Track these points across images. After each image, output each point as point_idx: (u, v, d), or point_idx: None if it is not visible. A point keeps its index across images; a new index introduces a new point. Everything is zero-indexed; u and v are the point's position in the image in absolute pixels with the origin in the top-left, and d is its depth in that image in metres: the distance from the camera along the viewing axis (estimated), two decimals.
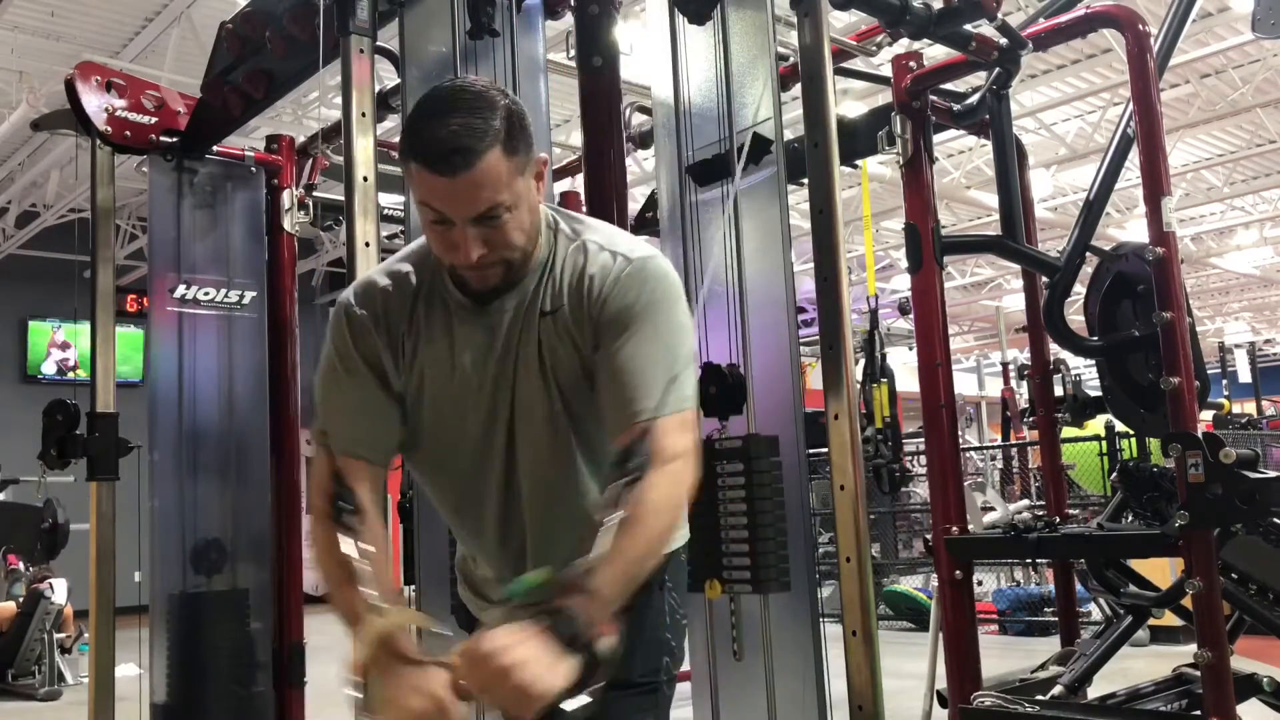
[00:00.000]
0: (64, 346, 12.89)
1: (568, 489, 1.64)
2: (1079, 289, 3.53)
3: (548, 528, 1.66)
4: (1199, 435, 2.77)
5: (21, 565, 8.03)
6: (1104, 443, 8.47)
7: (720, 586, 2.53)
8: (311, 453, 1.65)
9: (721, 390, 2.62)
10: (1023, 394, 5.64)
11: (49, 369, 12.86)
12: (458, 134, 1.45)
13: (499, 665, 1.22)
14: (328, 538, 1.51)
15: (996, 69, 3.40)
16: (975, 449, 12.59)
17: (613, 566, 1.35)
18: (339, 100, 2.83)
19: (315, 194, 4.34)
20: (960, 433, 7.00)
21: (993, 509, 4.38)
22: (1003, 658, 6.55)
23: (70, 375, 12.43)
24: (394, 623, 1.41)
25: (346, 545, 1.48)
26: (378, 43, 2.90)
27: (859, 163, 5.65)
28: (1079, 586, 4.10)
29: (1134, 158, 3.12)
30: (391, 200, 3.48)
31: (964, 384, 18.51)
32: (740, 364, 2.68)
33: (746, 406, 2.63)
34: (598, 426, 1.60)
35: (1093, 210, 3.40)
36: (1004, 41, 3.22)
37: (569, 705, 1.25)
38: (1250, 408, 12.13)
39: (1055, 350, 3.77)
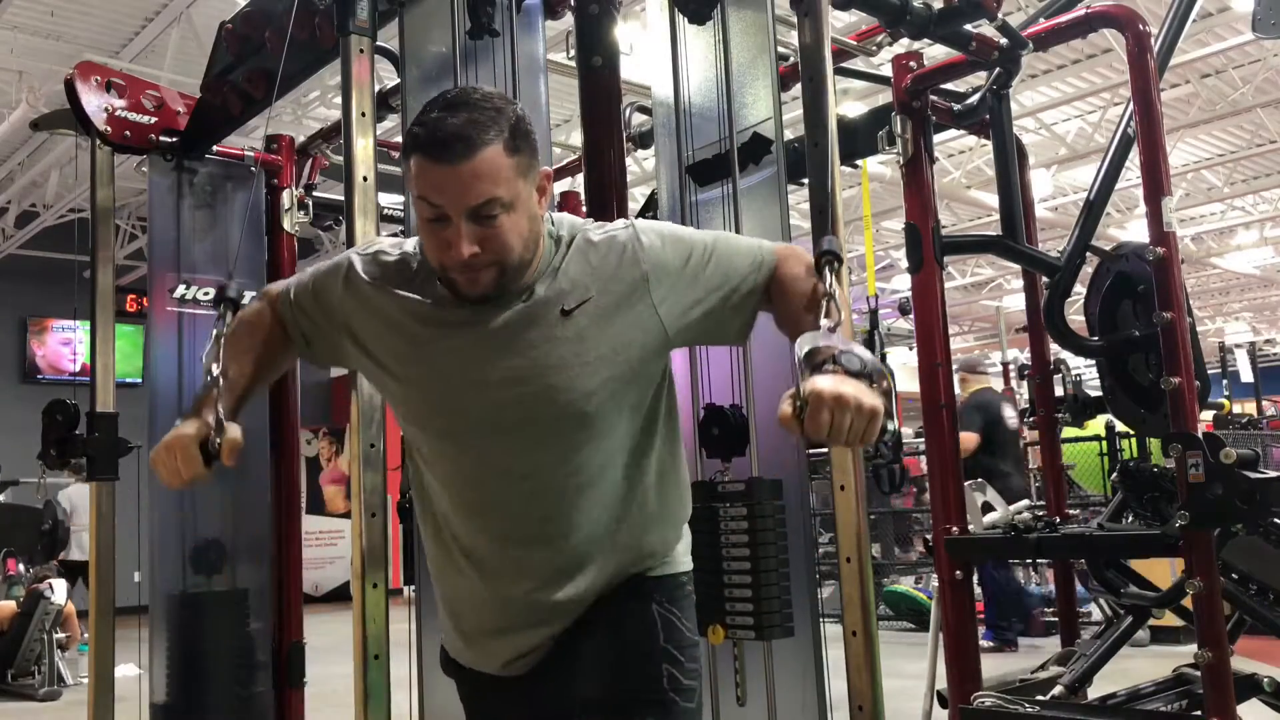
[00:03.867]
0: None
1: (573, 488, 1.62)
2: (1079, 289, 3.53)
3: (552, 530, 1.64)
4: (1199, 435, 2.76)
5: (21, 568, 8.04)
6: (1104, 443, 8.47)
7: (723, 632, 2.51)
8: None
9: (724, 431, 2.62)
10: (1023, 394, 5.65)
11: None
12: (460, 126, 1.46)
13: (844, 400, 1.32)
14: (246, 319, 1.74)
15: (997, 69, 3.40)
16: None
17: (837, 317, 1.48)
18: (339, 100, 2.83)
19: (315, 194, 4.34)
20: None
21: (993, 509, 4.37)
22: (1003, 658, 6.55)
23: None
24: (208, 396, 1.60)
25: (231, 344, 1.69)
26: (378, 43, 2.90)
27: (859, 163, 5.66)
28: (1079, 587, 4.10)
29: (1134, 158, 3.12)
30: (391, 200, 3.47)
31: None
32: (740, 365, 2.67)
33: (749, 449, 2.61)
34: (629, 412, 1.63)
35: (1093, 210, 3.39)
36: (1004, 41, 3.21)
37: (890, 425, 1.39)
38: (1251, 408, 12.13)
39: (1055, 350, 3.77)
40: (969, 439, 6.43)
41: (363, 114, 2.77)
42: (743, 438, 2.62)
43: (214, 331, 1.67)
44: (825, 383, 1.34)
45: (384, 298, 1.64)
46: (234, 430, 1.56)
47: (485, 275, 1.53)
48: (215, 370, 1.61)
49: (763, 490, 2.53)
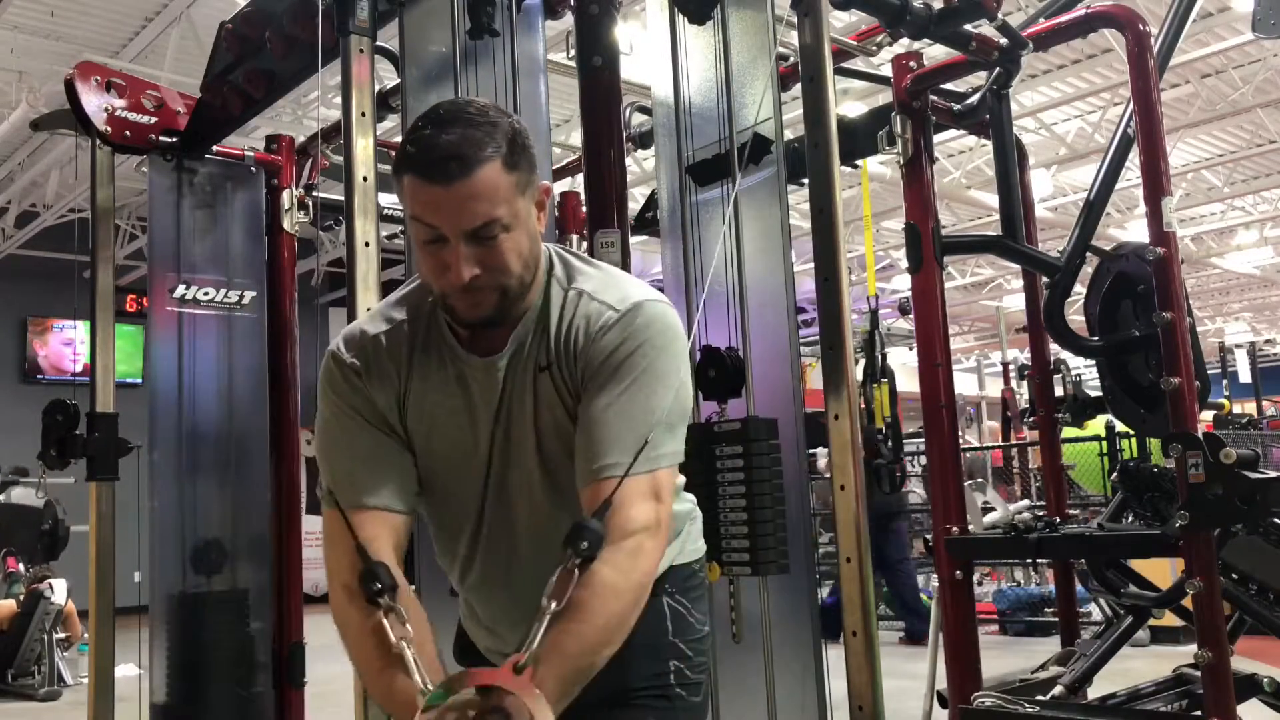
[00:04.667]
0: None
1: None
2: (1079, 289, 3.53)
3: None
4: (1199, 435, 2.76)
5: (21, 568, 8.04)
6: (1104, 443, 8.47)
7: (719, 569, 2.53)
8: (322, 512, 1.53)
9: (721, 373, 2.62)
10: (1023, 394, 5.65)
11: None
12: (456, 143, 1.39)
13: None
14: (363, 621, 1.39)
15: (997, 69, 3.40)
16: (975, 449, 12.57)
17: (551, 664, 1.27)
18: (339, 100, 2.83)
19: (315, 194, 4.34)
20: (960, 433, 7.07)
21: (993, 509, 4.38)
22: (1003, 658, 6.55)
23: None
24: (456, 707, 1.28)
25: (391, 629, 1.36)
26: (378, 43, 2.90)
27: (859, 163, 5.66)
28: (1079, 587, 4.10)
29: (1134, 158, 3.12)
30: (391, 200, 3.46)
31: (964, 384, 18.51)
32: (736, 307, 2.67)
33: (745, 390, 2.63)
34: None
35: (1093, 210, 3.40)
36: (1004, 41, 3.22)
37: None
38: (1250, 408, 12.13)
39: (1055, 350, 3.77)
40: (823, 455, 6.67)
41: (363, 114, 2.77)
42: (739, 379, 2.62)
43: (402, 643, 1.35)
44: None
45: (379, 376, 1.56)
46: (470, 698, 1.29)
47: (486, 300, 1.46)
48: (402, 641, 1.34)
49: (758, 428, 2.53)
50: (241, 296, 4.04)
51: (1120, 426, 7.14)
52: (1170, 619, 4.34)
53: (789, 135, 3.01)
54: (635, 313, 1.49)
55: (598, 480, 1.41)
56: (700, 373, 2.65)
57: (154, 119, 3.88)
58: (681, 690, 1.61)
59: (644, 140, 4.05)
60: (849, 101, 7.59)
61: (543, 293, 1.54)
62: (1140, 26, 3.04)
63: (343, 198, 2.79)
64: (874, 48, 3.61)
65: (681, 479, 1.74)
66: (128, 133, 3.82)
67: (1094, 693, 3.27)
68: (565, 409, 1.52)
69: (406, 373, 1.55)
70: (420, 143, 1.41)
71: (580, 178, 3.54)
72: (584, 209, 3.21)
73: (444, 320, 1.55)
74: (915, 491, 10.81)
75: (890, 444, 5.14)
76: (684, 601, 1.66)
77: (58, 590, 7.52)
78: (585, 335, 1.49)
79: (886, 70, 3.53)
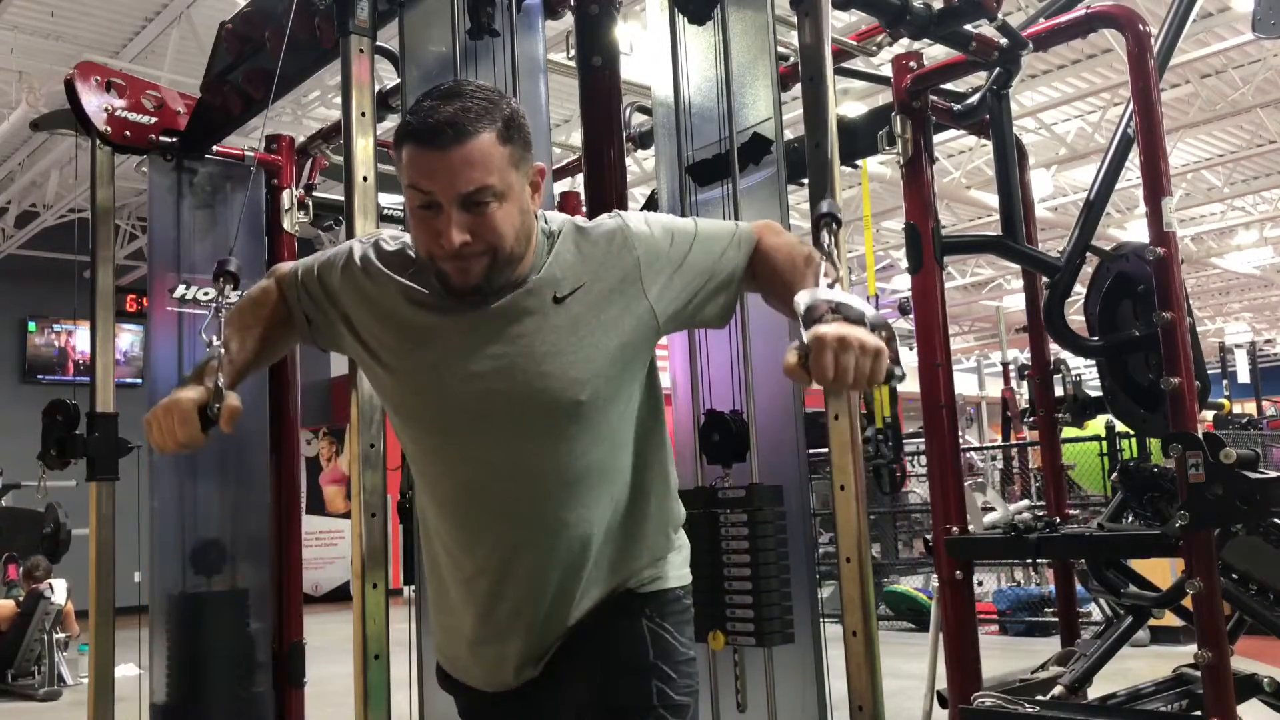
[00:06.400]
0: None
1: (564, 483, 1.60)
2: (1079, 289, 3.53)
3: (540, 530, 1.61)
4: (1199, 435, 2.76)
5: (21, 573, 8.04)
6: (1104, 443, 8.48)
7: (723, 638, 2.52)
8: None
9: (725, 438, 2.62)
10: (1023, 394, 5.65)
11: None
12: (453, 113, 1.47)
13: (848, 340, 1.33)
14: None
15: (997, 69, 3.40)
16: (975, 449, 12.58)
17: (835, 274, 1.52)
18: (339, 100, 2.83)
19: (315, 194, 4.34)
20: (960, 433, 7.06)
21: (993, 509, 4.38)
22: (1003, 658, 6.55)
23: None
24: (209, 365, 1.61)
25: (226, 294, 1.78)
26: (378, 43, 2.90)
27: (859, 163, 5.67)
28: (1079, 587, 4.10)
29: (1134, 158, 3.12)
30: (391, 200, 3.47)
31: (964, 384, 18.52)
32: (740, 372, 2.67)
33: (750, 455, 2.61)
34: (619, 405, 1.62)
35: (1093, 210, 3.40)
36: (1004, 41, 3.22)
37: (898, 371, 1.39)
38: (1250, 408, 12.15)
39: (1055, 350, 3.77)
40: None
41: (363, 114, 2.77)
42: (743, 444, 2.61)
43: (213, 305, 1.70)
44: (827, 327, 1.35)
45: (379, 286, 1.64)
46: (233, 397, 1.56)
47: (476, 265, 1.52)
48: (216, 341, 1.63)
49: (763, 496, 2.52)
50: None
51: (1120, 426, 7.15)
52: (1170, 619, 4.34)
53: (789, 135, 3.01)
54: (618, 214, 1.72)
55: (742, 253, 1.68)
56: (704, 437, 2.65)
57: (154, 119, 3.87)
58: (665, 711, 1.62)
59: (644, 140, 4.04)
60: (849, 101, 7.60)
61: (543, 246, 1.62)
62: (1140, 27, 3.04)
63: (343, 198, 2.79)
64: (874, 48, 3.61)
65: (682, 513, 1.79)
66: (128, 133, 3.81)
67: (1094, 693, 3.27)
68: (611, 316, 1.59)
69: (395, 289, 1.64)
70: (420, 113, 1.50)
71: (580, 178, 3.54)
72: (584, 209, 3.21)
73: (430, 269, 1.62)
74: (915, 492, 10.83)
75: (890, 444, 5.14)
76: (666, 625, 1.67)
77: (57, 590, 7.52)
78: (611, 245, 1.64)
79: (886, 70, 3.52)
